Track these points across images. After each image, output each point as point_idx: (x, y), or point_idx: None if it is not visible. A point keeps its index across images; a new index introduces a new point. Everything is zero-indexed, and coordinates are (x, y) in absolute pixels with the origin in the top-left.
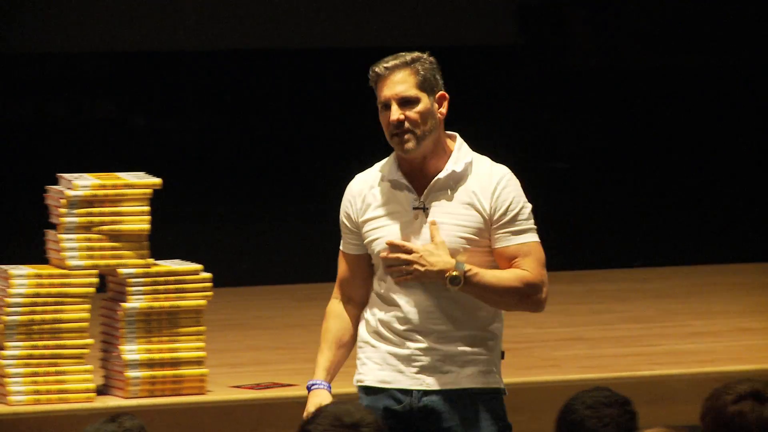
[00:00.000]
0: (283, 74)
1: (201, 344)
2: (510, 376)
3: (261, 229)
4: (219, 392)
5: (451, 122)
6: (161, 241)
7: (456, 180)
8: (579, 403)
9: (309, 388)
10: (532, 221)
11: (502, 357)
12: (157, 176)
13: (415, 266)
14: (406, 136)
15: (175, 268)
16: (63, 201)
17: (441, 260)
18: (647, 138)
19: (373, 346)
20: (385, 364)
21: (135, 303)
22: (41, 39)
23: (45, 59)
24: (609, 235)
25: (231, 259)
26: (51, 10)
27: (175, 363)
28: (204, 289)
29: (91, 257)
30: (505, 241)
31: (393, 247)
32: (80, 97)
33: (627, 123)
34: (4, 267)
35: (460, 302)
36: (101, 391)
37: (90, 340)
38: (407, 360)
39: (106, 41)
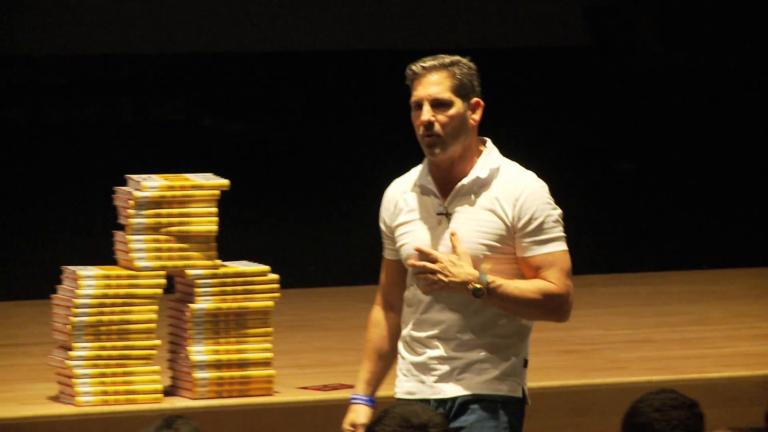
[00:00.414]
0: (352, 76)
1: (268, 345)
2: (576, 377)
3: (328, 230)
4: (286, 393)
5: (516, 123)
6: (228, 243)
7: (480, 186)
8: (646, 405)
9: (351, 401)
10: (560, 228)
11: (525, 365)
12: (225, 177)
13: (439, 276)
14: (434, 139)
15: (243, 270)
16: (131, 202)
17: (464, 271)
18: (716, 139)
19: (402, 357)
20: (410, 375)
21: (203, 304)
22: (109, 41)
23: (113, 61)
24: (677, 237)
25: (298, 261)
26: (118, 12)
27: (243, 364)
28: (271, 290)
29: (159, 258)
30: (530, 251)
31: (420, 254)
32: (148, 98)
33: (695, 124)
34: (72, 268)
35: (484, 310)
36: (168, 392)
37: (157, 341)
38: (427, 369)
39: (174, 42)
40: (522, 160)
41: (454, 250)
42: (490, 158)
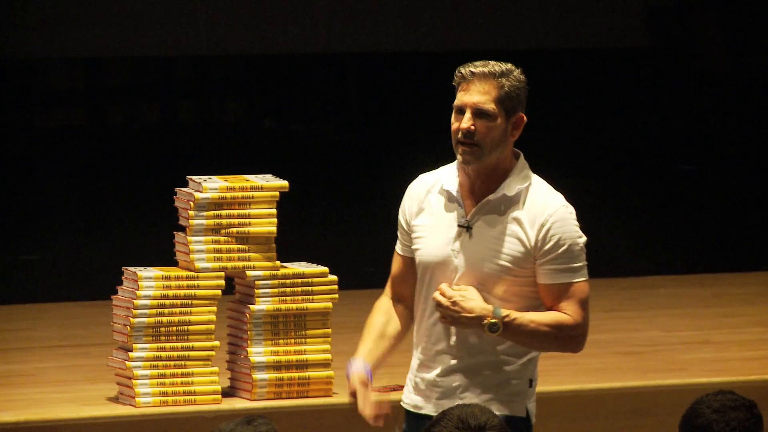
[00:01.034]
0: (413, 77)
1: (327, 346)
2: (636, 379)
3: (387, 231)
4: (345, 395)
5: (577, 124)
6: (288, 244)
7: (507, 204)
8: (705, 406)
9: (349, 366)
10: (583, 257)
11: (531, 385)
12: (285, 179)
13: (450, 311)
14: (470, 148)
15: (303, 271)
16: (191, 203)
17: (478, 306)
18: None
19: (414, 369)
20: (418, 389)
21: (262, 305)
22: (170, 42)
23: (174, 62)
24: (737, 238)
25: (356, 262)
26: (180, 14)
27: (302, 365)
28: (330, 292)
29: (218, 259)
30: (550, 278)
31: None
32: (209, 99)
33: (755, 125)
34: (133, 269)
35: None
36: (227, 393)
37: (216, 342)
38: (433, 385)
39: (235, 44)
40: (583, 161)
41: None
42: (520, 176)
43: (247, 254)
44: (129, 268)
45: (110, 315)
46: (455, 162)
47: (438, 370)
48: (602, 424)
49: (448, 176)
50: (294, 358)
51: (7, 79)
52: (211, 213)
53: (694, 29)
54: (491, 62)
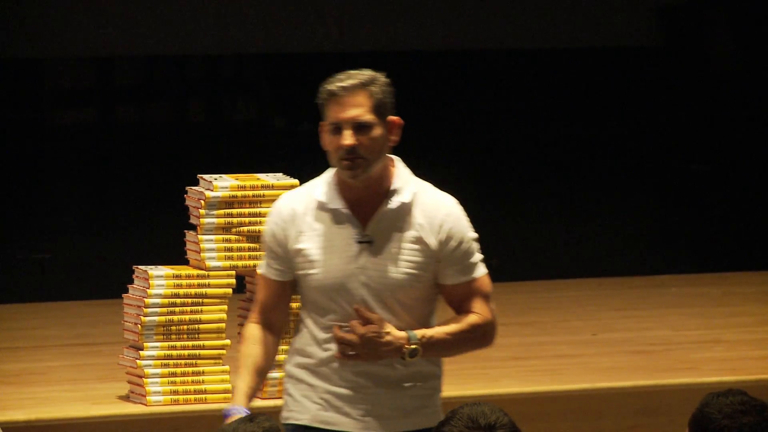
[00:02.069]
0: (424, 76)
1: None
2: (646, 378)
3: None
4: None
5: (588, 123)
6: None
7: (403, 211)
8: (715, 411)
9: (227, 414)
10: (479, 252)
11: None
12: (296, 177)
13: (365, 349)
14: (357, 162)
15: None
16: (202, 202)
17: (394, 338)
18: None
19: (310, 384)
20: (328, 405)
21: None
22: (180, 41)
23: (185, 61)
24: (748, 237)
25: None
26: (190, 13)
27: None
28: None
29: (229, 258)
30: (455, 279)
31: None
32: (220, 98)
33: (767, 125)
34: (143, 268)
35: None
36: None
37: (227, 341)
38: (354, 401)
39: (245, 43)
40: (592, 161)
41: (366, 321)
42: (406, 181)
43: (258, 253)
44: (140, 267)
45: (121, 314)
46: (321, 179)
47: (362, 385)
48: (613, 423)
49: (323, 194)
50: None
51: (17, 78)
52: (221, 212)
53: (705, 28)
54: (352, 72)
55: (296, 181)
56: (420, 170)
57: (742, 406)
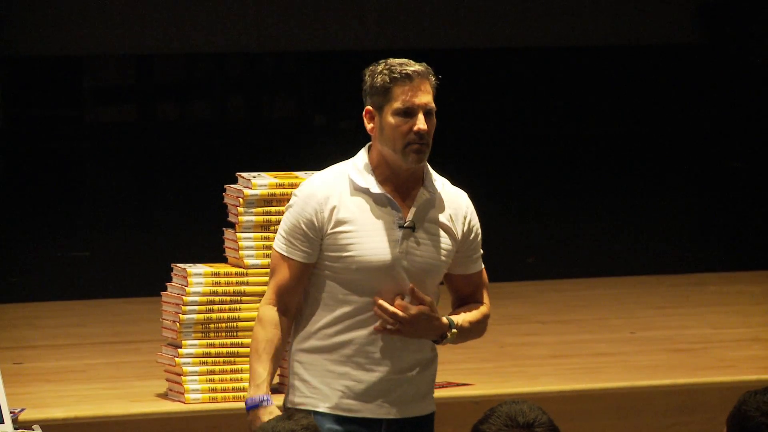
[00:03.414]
0: (461, 73)
1: None
2: (686, 376)
3: None
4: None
5: (628, 120)
6: None
7: (437, 201)
8: (753, 408)
9: (256, 404)
10: None
11: None
12: None
13: (412, 328)
14: (424, 147)
15: None
16: (241, 200)
17: (439, 322)
18: None
19: (329, 370)
20: (349, 391)
21: None
22: (221, 39)
23: (225, 59)
24: None
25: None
26: (231, 11)
27: None
28: None
29: (268, 256)
30: (468, 268)
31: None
32: (260, 96)
33: None
34: (182, 266)
35: None
36: (275, 389)
37: None
38: (375, 387)
39: (286, 41)
40: (631, 158)
41: (420, 301)
42: (432, 171)
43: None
44: (178, 265)
45: (160, 311)
46: (350, 163)
47: (382, 372)
48: (652, 421)
49: (362, 178)
50: None
51: (58, 76)
52: (260, 209)
53: (744, 26)
54: (410, 60)
55: None
56: (455, 168)
57: None
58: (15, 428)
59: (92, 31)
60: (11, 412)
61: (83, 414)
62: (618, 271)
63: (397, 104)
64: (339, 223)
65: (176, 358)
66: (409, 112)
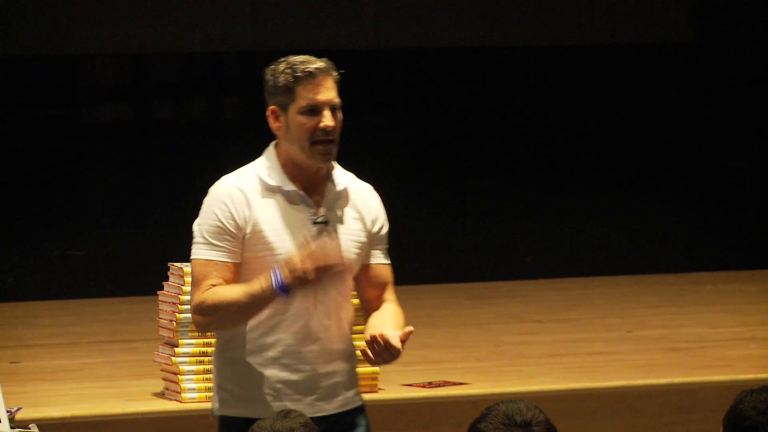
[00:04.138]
0: (460, 73)
1: None
2: (682, 375)
3: (433, 226)
4: (391, 390)
5: (624, 120)
6: None
7: (345, 194)
8: (749, 407)
9: (282, 288)
10: None
11: None
12: None
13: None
14: (331, 143)
15: None
16: None
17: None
18: None
19: (256, 375)
20: (278, 394)
21: None
22: (216, 38)
23: (221, 58)
24: None
25: (401, 257)
26: (226, 10)
27: None
28: None
29: None
30: (379, 258)
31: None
32: (256, 95)
33: None
34: (179, 265)
35: (345, 318)
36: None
37: None
38: (305, 386)
39: (283, 40)
40: (628, 157)
41: (388, 343)
42: (338, 166)
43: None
44: (175, 264)
45: (156, 310)
46: (258, 163)
47: (312, 370)
48: (648, 420)
49: (273, 177)
50: None
51: (54, 75)
52: None
53: (741, 25)
54: (311, 56)
55: None
56: (452, 166)
57: None
58: (12, 427)
59: (88, 31)
60: (8, 411)
61: (80, 413)
62: (615, 270)
63: (302, 102)
64: (256, 223)
65: (173, 357)
66: (314, 110)
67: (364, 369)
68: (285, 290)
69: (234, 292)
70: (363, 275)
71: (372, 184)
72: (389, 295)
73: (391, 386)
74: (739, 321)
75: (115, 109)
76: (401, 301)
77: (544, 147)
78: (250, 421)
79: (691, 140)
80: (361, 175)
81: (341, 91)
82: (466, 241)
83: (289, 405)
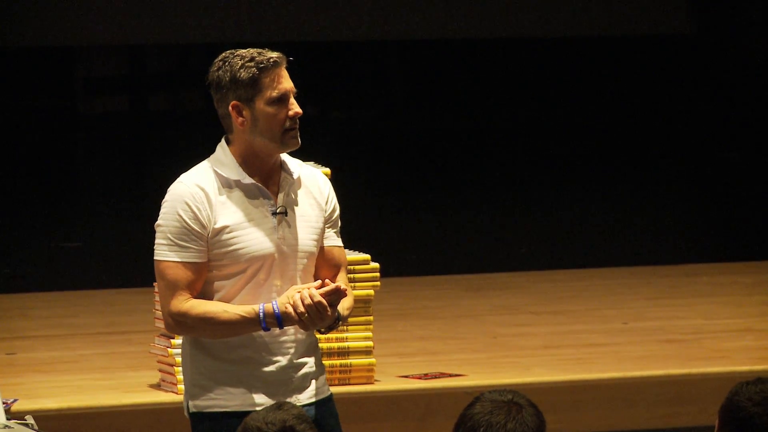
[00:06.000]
0: (454, 64)
1: (369, 334)
2: (678, 367)
3: (429, 218)
4: (387, 382)
5: (620, 111)
6: None
7: (299, 182)
8: (745, 399)
9: (278, 315)
10: None
11: None
12: (327, 166)
13: (318, 318)
14: (298, 131)
15: None
16: None
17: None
18: None
19: (232, 369)
20: (252, 387)
21: None
22: (212, 29)
23: (217, 49)
24: None
25: (399, 249)
26: (223, 1)
27: (344, 352)
28: (372, 279)
29: None
30: (332, 240)
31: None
32: None
33: None
34: None
35: None
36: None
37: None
38: (280, 378)
39: (276, 32)
40: (624, 149)
41: (322, 301)
42: (287, 154)
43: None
44: None
45: (152, 302)
46: (212, 160)
47: (285, 361)
48: (644, 412)
49: (230, 171)
50: (336, 345)
51: (50, 67)
52: None
53: (738, 16)
54: (266, 49)
55: (327, 170)
56: (449, 159)
57: None
58: (7, 419)
59: (85, 22)
60: (4, 403)
61: (76, 404)
62: (610, 262)
63: (270, 93)
64: (219, 220)
65: (169, 349)
66: (282, 99)
67: (360, 361)
68: (280, 326)
69: (225, 314)
70: (318, 257)
71: (368, 176)
72: (342, 276)
73: (388, 378)
74: (735, 312)
75: (111, 101)
76: (398, 293)
77: (539, 139)
78: (225, 415)
79: (686, 132)
80: (357, 166)
81: (344, 84)
82: (462, 232)
83: (264, 398)
